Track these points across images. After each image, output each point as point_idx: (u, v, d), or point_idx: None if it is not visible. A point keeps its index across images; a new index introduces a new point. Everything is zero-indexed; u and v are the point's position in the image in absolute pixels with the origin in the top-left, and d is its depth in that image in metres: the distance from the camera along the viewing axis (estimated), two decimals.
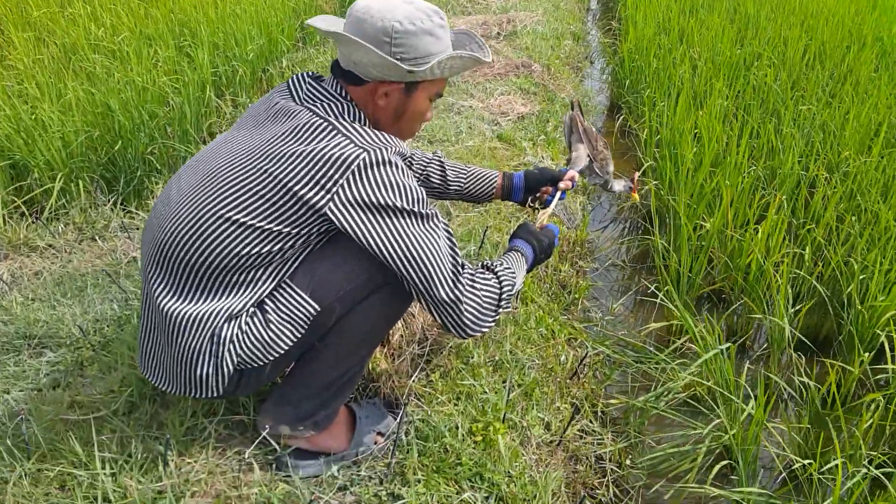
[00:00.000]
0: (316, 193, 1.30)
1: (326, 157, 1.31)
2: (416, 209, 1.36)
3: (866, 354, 2.05)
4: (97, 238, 2.67)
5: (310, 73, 1.48)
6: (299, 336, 1.40)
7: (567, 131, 2.07)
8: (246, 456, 1.52)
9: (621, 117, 4.09)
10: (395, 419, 1.68)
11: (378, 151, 1.33)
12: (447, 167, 1.90)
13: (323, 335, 1.45)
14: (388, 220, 1.33)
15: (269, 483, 1.50)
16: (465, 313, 1.44)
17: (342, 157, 1.30)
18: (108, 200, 2.93)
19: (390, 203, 1.32)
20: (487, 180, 1.92)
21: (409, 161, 1.91)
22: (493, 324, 1.50)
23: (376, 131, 1.39)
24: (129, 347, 1.88)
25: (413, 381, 1.79)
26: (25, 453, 1.53)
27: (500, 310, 1.51)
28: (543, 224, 1.76)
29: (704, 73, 3.92)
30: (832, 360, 2.14)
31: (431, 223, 1.39)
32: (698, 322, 2.21)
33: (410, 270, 1.37)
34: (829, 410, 2.05)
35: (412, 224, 1.36)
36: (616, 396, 2.22)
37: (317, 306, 1.38)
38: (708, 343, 2.08)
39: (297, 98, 1.43)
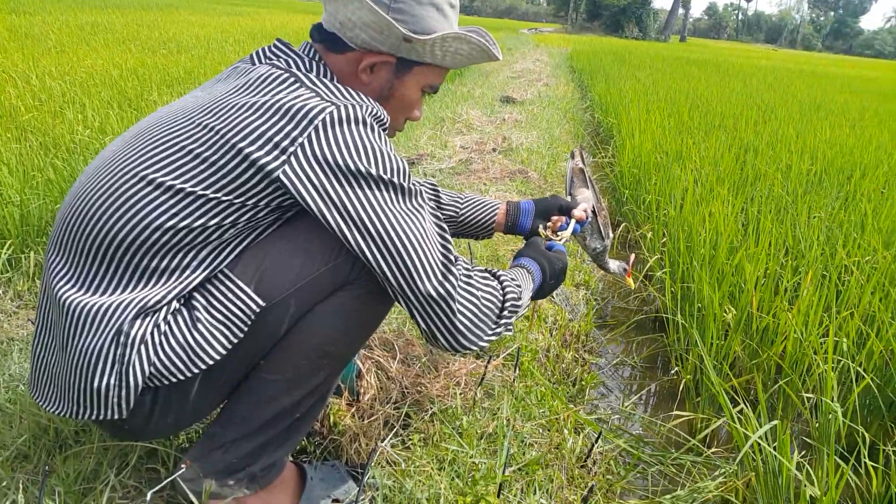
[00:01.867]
0: (268, 154, 1.02)
1: (284, 108, 1.04)
2: (395, 180, 1.07)
3: None
4: None
5: (280, 40, 1.25)
6: (235, 342, 1.06)
7: (568, 183, 1.81)
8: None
9: (622, 226, 3.90)
10: (359, 486, 1.29)
11: (350, 108, 1.06)
12: (440, 190, 1.63)
13: (270, 348, 1.11)
14: (358, 190, 1.04)
15: None
16: (459, 314, 1.11)
17: (304, 110, 1.03)
18: None
19: (362, 169, 1.04)
20: (488, 207, 1.64)
21: None
22: (492, 338, 1.17)
23: (351, 90, 1.13)
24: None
25: (385, 444, 1.42)
26: None
27: (502, 324, 1.19)
28: (563, 241, 1.48)
29: (708, 183, 3.79)
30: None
31: (415, 201, 1.10)
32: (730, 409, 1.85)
33: (387, 257, 1.06)
34: None
35: (390, 198, 1.06)
36: (633, 500, 1.81)
37: (261, 302, 1.06)
38: (749, 425, 1.71)
39: (257, 59, 1.18)
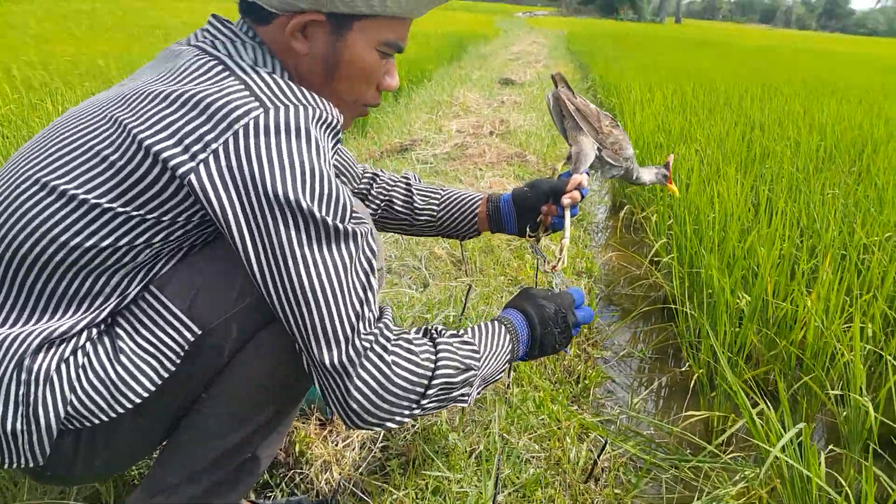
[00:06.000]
0: (178, 155, 0.83)
1: (198, 101, 0.84)
2: (324, 215, 0.86)
3: None
4: None
5: (216, 16, 1.02)
6: (167, 376, 0.89)
7: (556, 118, 1.49)
8: None
9: (626, 208, 3.72)
10: None
11: (288, 111, 0.85)
12: (415, 190, 1.44)
13: (210, 381, 0.94)
14: (272, 221, 0.84)
15: None
16: (355, 391, 0.89)
17: (224, 109, 0.83)
18: None
19: (286, 195, 0.83)
20: (467, 205, 1.43)
21: (369, 180, 1.46)
22: (407, 417, 0.95)
23: (297, 86, 0.91)
24: None
25: (361, 471, 1.25)
26: None
27: (428, 399, 0.96)
28: (563, 263, 1.27)
29: (714, 162, 3.60)
30: None
31: (344, 245, 0.88)
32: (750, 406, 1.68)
33: (288, 308, 0.87)
34: None
35: (309, 238, 0.85)
36: None
37: (195, 328, 0.88)
38: (771, 427, 1.53)
39: (190, 41, 0.98)
